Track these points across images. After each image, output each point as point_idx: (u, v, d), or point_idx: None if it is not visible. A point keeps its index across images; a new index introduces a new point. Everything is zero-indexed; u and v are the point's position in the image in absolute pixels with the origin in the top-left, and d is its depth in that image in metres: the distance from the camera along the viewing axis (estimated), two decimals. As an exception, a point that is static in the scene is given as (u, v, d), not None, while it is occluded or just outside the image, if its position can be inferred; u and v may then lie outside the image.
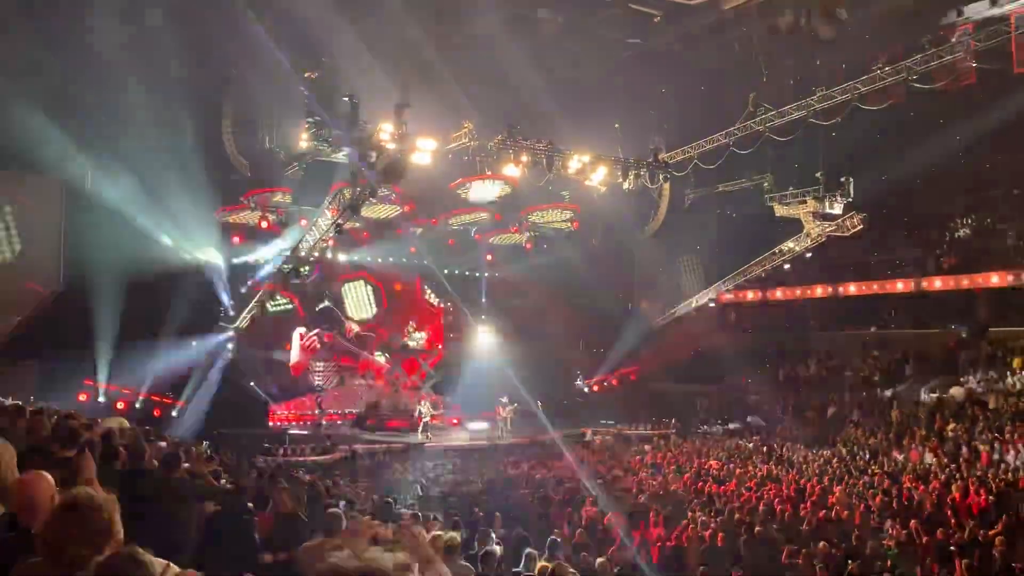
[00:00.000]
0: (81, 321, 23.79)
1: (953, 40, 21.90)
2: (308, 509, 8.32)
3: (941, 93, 23.42)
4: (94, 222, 23.45)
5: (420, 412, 28.47)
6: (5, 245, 23.66)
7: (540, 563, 7.99)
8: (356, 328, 33.33)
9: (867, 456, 21.48)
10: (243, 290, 29.36)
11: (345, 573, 1.62)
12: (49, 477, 3.48)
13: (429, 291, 35.67)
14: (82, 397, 24.35)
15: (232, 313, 29.28)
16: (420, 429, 28.03)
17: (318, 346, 32.26)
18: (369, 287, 34.42)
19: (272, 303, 29.30)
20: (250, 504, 7.42)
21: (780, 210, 28.60)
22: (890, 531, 12.65)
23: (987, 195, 31.12)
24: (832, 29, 25.33)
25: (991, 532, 11.59)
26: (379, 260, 33.78)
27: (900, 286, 31.20)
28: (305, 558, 5.37)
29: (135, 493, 6.05)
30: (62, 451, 6.83)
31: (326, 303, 32.70)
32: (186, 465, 8.39)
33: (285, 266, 26.64)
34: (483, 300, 35.35)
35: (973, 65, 22.24)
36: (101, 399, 25.07)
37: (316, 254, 27.26)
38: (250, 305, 28.52)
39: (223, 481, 9.56)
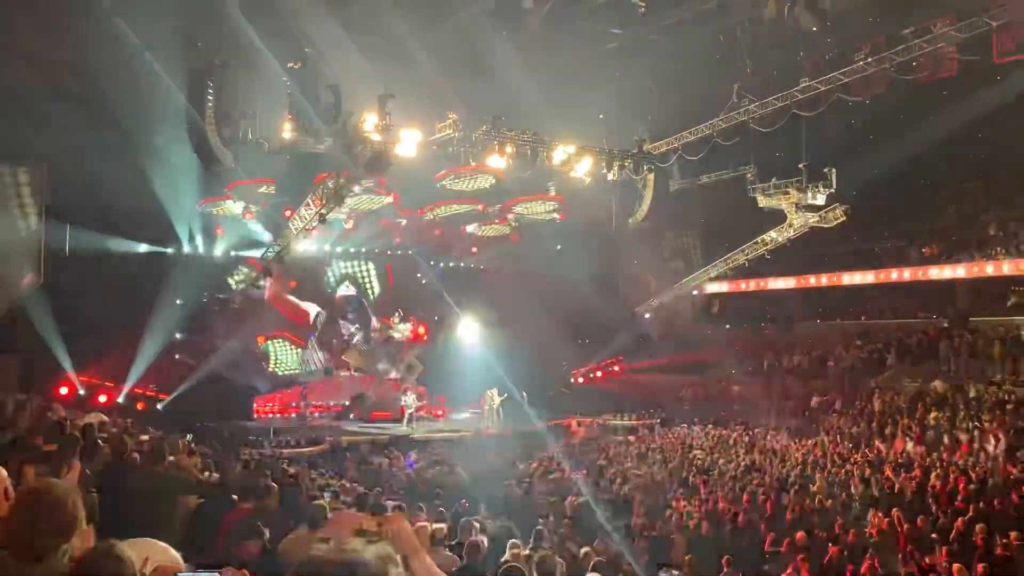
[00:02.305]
0: (63, 314, 23.60)
1: (935, 31, 22.02)
2: (293, 501, 8.31)
3: (923, 84, 23.59)
4: (76, 212, 23.30)
5: (405, 403, 28.48)
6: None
7: (525, 553, 8.02)
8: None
9: (849, 445, 21.66)
10: (234, 278, 29.22)
11: (327, 565, 1.62)
12: (2, 471, 3.46)
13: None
14: (63, 390, 24.16)
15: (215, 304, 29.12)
16: (405, 421, 28.03)
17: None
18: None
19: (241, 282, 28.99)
20: (235, 497, 7.40)
21: (763, 201, 28.68)
22: (872, 519, 12.77)
23: (968, 185, 31.35)
24: (815, 20, 25.40)
25: (966, 518, 11.73)
26: (363, 250, 33.66)
27: (882, 276, 31.39)
28: (288, 550, 5.36)
29: (118, 487, 6.04)
30: (43, 444, 6.81)
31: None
32: (170, 458, 8.39)
33: (268, 254, 26.58)
34: (468, 291, 35.31)
35: (955, 56, 22.38)
36: (82, 392, 24.90)
37: (299, 246, 27.16)
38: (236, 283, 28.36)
39: (207, 474, 9.54)
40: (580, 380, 36.46)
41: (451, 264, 36.14)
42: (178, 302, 28.09)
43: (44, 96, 21.03)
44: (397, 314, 33.79)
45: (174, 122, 24.90)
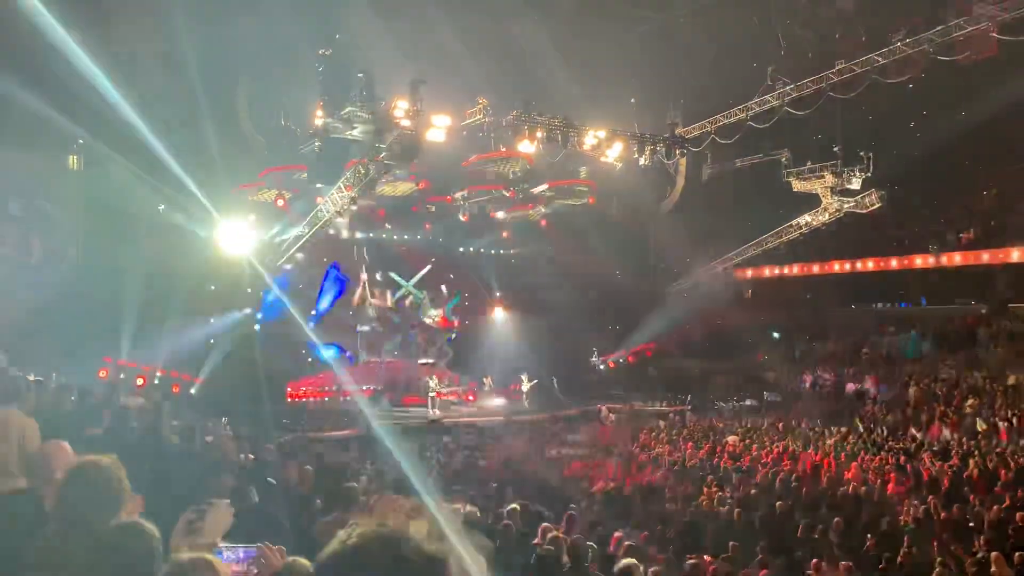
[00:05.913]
0: (103, 297, 23.96)
1: (975, 11, 21.54)
2: (326, 485, 8.38)
3: (962, 65, 23.10)
4: (114, 197, 23.61)
5: (429, 387, 28.56)
6: None
7: (557, 537, 8.03)
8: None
9: (885, 433, 21.40)
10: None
11: (370, 543, 1.62)
12: (68, 447, 3.53)
13: None
14: (102, 373, 24.52)
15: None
16: (431, 405, 28.14)
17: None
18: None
19: None
20: (270, 479, 7.48)
21: (798, 185, 28.35)
22: (907, 507, 12.62)
23: (1007, 169, 30.68)
24: (851, 1, 25.02)
25: (1003, 506, 11.57)
26: (394, 238, 33.73)
27: (919, 261, 30.88)
28: (325, 532, 5.40)
29: (154, 468, 6.12)
30: (84, 427, 6.92)
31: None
32: (208, 439, 8.50)
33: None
34: (498, 277, 35.31)
35: (995, 36, 21.87)
36: (121, 375, 25.24)
37: (331, 230, 27.36)
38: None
39: (243, 456, 9.65)
40: (611, 365, 36.35)
41: (481, 250, 36.11)
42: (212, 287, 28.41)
43: (77, 85, 21.24)
44: (428, 299, 33.93)
45: (208, 108, 25.05)
